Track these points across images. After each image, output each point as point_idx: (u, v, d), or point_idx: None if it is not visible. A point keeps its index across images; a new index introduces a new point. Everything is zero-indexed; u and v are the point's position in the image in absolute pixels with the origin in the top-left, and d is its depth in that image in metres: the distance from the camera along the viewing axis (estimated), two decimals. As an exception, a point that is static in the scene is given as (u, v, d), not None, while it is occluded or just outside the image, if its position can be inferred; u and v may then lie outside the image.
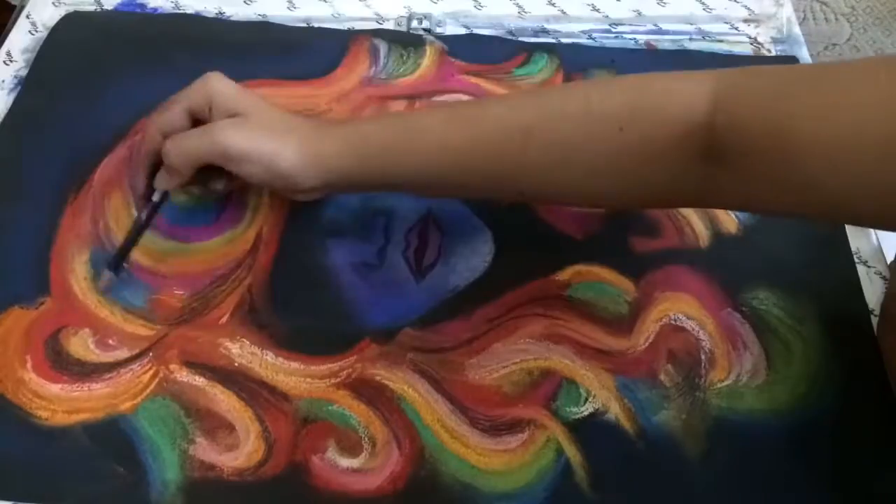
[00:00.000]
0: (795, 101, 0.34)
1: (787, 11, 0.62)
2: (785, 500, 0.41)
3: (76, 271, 0.46)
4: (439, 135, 0.41)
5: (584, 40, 0.60)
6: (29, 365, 0.42)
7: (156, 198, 0.45)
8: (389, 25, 0.60)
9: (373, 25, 0.60)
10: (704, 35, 0.61)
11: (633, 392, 0.43)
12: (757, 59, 0.59)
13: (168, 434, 0.41)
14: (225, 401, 0.42)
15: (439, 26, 0.60)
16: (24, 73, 0.55)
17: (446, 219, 0.49)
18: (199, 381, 0.42)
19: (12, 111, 0.53)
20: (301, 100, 0.54)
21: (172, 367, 0.43)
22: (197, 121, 0.44)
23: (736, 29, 0.61)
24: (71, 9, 0.59)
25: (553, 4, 0.62)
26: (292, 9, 0.61)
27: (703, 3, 0.63)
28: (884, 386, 0.44)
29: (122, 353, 0.43)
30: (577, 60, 0.58)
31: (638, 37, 0.60)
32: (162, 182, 0.45)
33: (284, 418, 0.41)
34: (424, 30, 0.60)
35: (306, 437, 0.41)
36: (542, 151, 0.40)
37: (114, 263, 0.45)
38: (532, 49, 0.58)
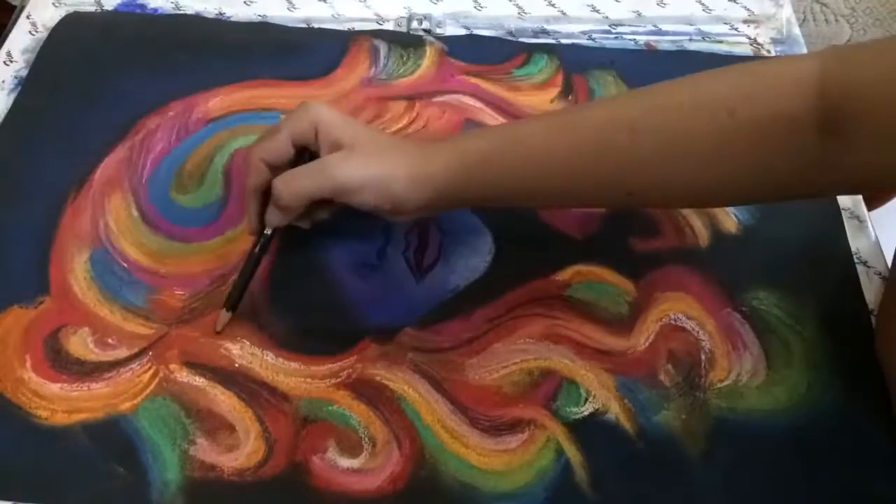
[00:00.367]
0: None
1: (787, 12, 0.62)
2: (785, 500, 0.41)
3: (76, 271, 0.46)
4: (541, 141, 0.41)
5: (583, 41, 0.60)
6: (28, 364, 0.42)
7: (268, 231, 0.44)
8: (389, 26, 0.61)
9: (373, 26, 0.60)
10: (704, 36, 0.61)
11: (633, 392, 0.43)
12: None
13: (168, 434, 0.41)
14: (225, 401, 0.42)
15: (439, 27, 0.60)
16: (24, 73, 0.55)
17: (446, 219, 0.49)
18: (199, 381, 0.42)
19: (12, 111, 0.53)
20: (301, 100, 0.54)
21: (172, 367, 0.43)
22: (301, 148, 0.43)
23: (736, 30, 0.61)
24: (71, 9, 0.59)
25: (553, 5, 0.63)
26: (292, 9, 0.61)
27: (702, 4, 0.63)
28: (884, 386, 0.44)
29: (122, 353, 0.43)
30: (576, 61, 0.58)
31: (638, 37, 0.60)
32: (274, 219, 0.43)
33: (285, 418, 0.41)
34: (424, 30, 0.60)
35: (306, 437, 0.41)
36: (651, 146, 0.39)
37: (231, 302, 0.44)
38: (532, 50, 0.59)
